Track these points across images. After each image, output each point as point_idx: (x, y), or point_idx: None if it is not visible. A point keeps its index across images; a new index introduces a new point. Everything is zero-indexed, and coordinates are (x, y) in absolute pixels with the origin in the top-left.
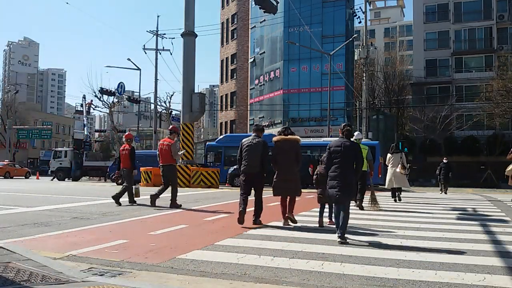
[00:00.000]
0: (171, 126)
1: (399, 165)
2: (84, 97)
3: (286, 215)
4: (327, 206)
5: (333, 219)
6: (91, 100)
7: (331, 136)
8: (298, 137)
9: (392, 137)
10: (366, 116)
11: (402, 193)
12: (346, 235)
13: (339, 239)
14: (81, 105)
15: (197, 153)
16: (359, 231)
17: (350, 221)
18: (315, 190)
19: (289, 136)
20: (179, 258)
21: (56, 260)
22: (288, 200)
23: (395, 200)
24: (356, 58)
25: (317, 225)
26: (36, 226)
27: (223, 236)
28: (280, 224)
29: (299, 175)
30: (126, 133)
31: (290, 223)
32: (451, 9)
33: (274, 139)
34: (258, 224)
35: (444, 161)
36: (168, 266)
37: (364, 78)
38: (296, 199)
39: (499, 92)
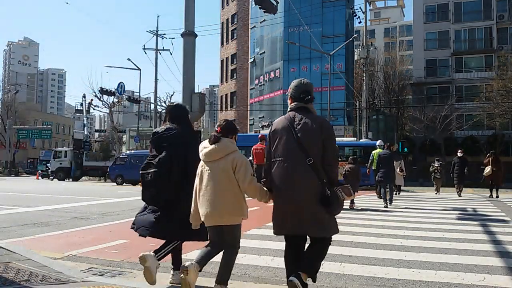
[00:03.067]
0: (260, 135)
1: (399, 168)
2: (84, 96)
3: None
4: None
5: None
6: (91, 100)
7: None
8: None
9: (392, 137)
10: (366, 116)
11: (401, 192)
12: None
13: (384, 207)
14: (81, 104)
15: None
16: (359, 231)
17: (349, 221)
18: None
19: None
20: None
21: (56, 260)
22: None
23: (396, 193)
24: (356, 58)
25: None
26: (36, 226)
27: None
28: None
29: None
30: (260, 134)
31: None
32: (451, 9)
33: None
34: None
35: (459, 154)
36: (168, 266)
37: (364, 78)
38: None
39: (499, 92)
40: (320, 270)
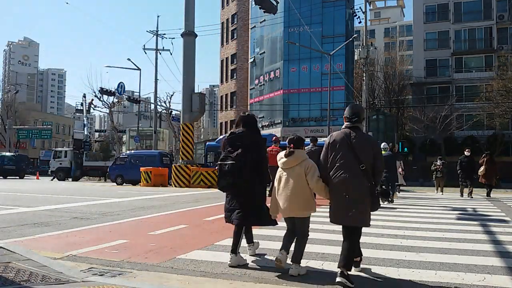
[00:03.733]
0: (274, 137)
1: (400, 168)
2: (84, 96)
3: None
4: None
5: None
6: (92, 100)
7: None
8: None
9: (392, 137)
10: (366, 116)
11: (401, 192)
12: None
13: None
14: (81, 104)
15: (197, 153)
16: None
17: None
18: None
19: None
20: (179, 258)
21: (56, 260)
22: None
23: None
24: (356, 58)
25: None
26: (36, 226)
27: (223, 236)
28: (280, 224)
29: None
30: (274, 137)
31: None
32: (451, 9)
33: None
34: None
35: (466, 153)
36: (168, 266)
37: (364, 78)
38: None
39: (499, 92)
40: (320, 270)
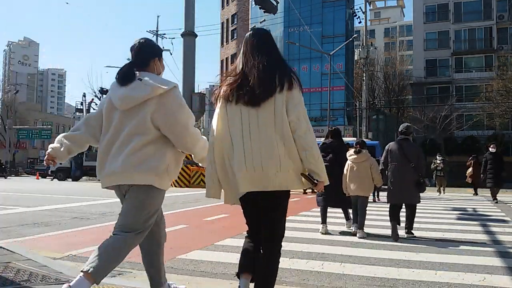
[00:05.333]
0: None
1: None
2: (84, 95)
3: None
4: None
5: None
6: (92, 99)
7: None
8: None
9: (392, 137)
10: (366, 116)
11: None
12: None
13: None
14: (81, 103)
15: None
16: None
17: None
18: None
19: None
20: (179, 258)
21: (56, 260)
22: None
23: None
24: (356, 58)
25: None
26: (36, 226)
27: (223, 236)
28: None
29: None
30: None
31: None
32: (451, 9)
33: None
34: None
35: (491, 150)
36: (168, 266)
37: (364, 78)
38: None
39: (499, 92)
40: (320, 270)
